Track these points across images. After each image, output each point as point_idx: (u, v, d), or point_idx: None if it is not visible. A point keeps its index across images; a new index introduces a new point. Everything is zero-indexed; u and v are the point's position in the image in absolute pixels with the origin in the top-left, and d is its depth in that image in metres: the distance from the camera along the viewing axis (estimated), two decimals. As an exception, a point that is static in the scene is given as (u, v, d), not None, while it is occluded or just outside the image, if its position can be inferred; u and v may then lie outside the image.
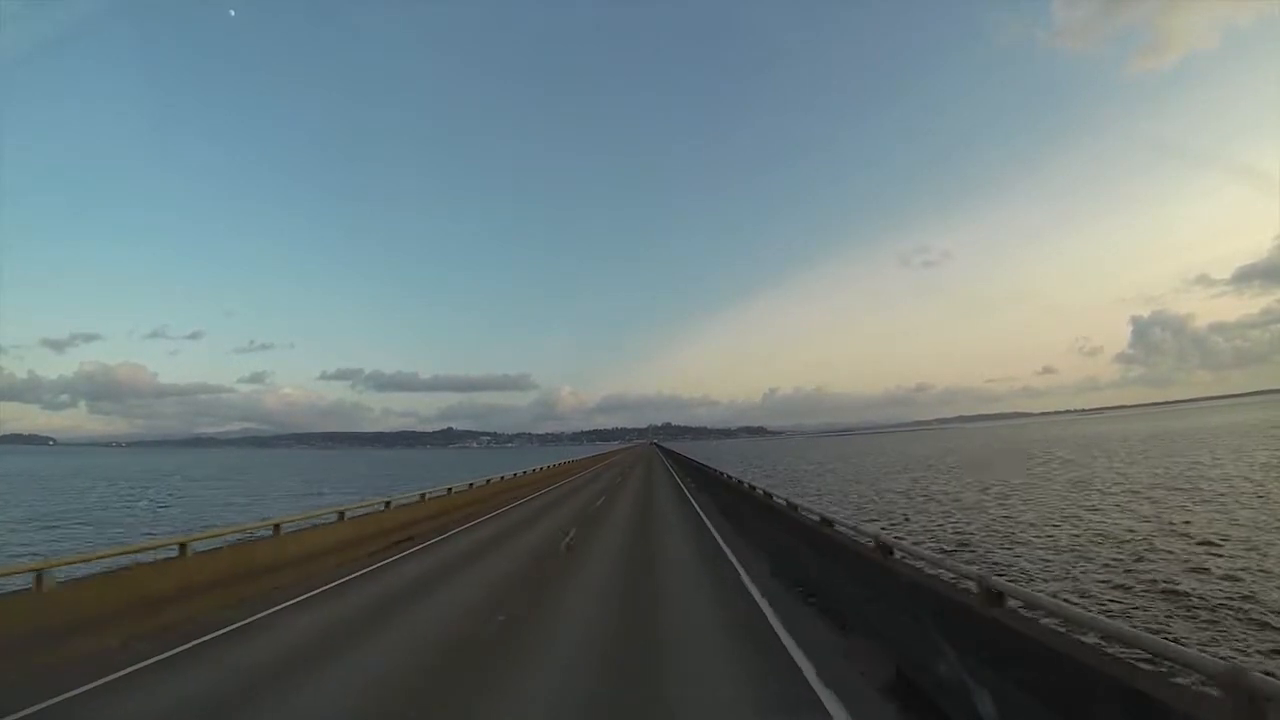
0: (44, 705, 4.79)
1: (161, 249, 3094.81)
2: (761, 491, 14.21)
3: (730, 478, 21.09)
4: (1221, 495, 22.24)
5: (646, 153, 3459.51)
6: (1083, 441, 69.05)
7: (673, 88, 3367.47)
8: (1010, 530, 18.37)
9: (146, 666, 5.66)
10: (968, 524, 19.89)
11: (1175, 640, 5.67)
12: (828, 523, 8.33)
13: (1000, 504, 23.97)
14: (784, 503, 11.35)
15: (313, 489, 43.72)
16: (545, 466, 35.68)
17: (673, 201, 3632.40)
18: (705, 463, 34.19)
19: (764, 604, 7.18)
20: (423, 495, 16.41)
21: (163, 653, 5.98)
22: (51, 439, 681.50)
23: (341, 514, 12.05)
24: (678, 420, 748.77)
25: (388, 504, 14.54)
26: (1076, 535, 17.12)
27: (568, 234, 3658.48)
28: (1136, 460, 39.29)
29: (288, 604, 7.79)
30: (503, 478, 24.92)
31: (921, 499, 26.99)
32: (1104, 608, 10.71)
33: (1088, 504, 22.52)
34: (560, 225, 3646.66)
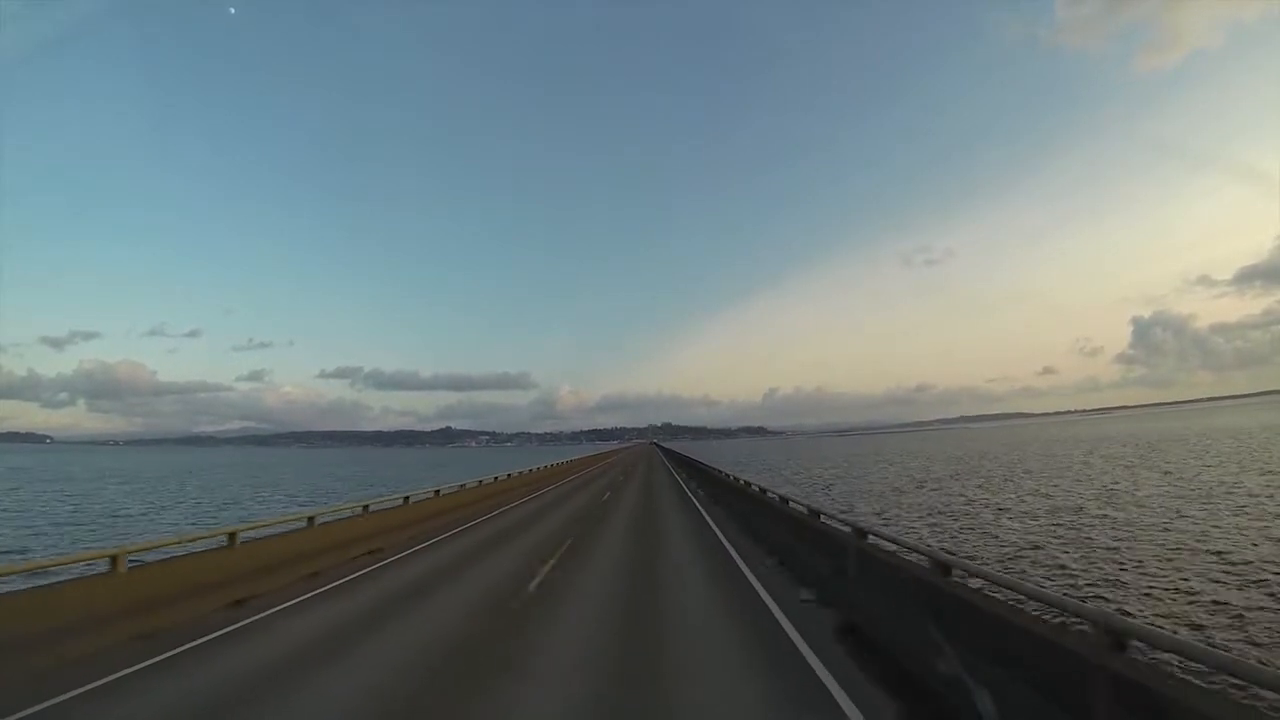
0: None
1: (161, 247, 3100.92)
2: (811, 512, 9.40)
3: (747, 484, 16.19)
4: None
5: (646, 153, 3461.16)
6: (1150, 442, 63.51)
7: (673, 88, 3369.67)
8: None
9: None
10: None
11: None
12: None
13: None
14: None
15: (245, 498, 38.28)
16: (537, 468, 32.06)
17: (673, 201, 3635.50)
18: (710, 464, 29.26)
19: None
20: (365, 506, 13.87)
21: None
22: (49, 437, 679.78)
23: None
24: (678, 420, 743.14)
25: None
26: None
27: (568, 233, 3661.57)
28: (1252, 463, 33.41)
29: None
30: (458, 487, 19.89)
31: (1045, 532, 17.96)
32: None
33: None
34: (560, 225, 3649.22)
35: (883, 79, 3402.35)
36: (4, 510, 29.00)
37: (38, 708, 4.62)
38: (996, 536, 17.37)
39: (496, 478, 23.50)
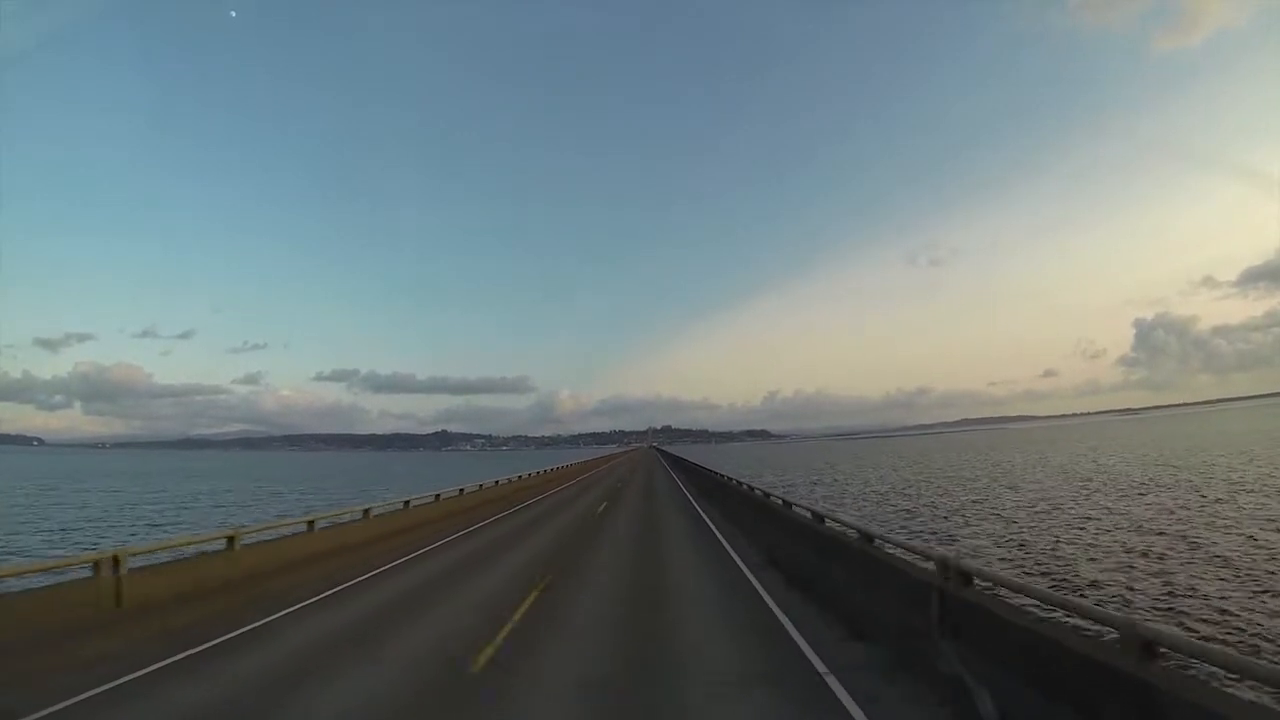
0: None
1: (153, 248, 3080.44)
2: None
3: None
4: None
5: (646, 154, 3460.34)
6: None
7: (672, 88, 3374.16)
8: None
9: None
10: None
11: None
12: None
13: None
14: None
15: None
16: (519, 476, 28.40)
17: (673, 202, 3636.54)
18: (742, 480, 18.78)
19: None
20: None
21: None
22: (38, 439, 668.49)
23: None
24: (678, 423, 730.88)
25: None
26: None
27: (567, 236, 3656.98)
28: None
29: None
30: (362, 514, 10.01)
31: None
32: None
33: None
34: (559, 227, 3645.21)
35: (884, 75, 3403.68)
36: None
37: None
38: None
39: (439, 495, 18.85)
